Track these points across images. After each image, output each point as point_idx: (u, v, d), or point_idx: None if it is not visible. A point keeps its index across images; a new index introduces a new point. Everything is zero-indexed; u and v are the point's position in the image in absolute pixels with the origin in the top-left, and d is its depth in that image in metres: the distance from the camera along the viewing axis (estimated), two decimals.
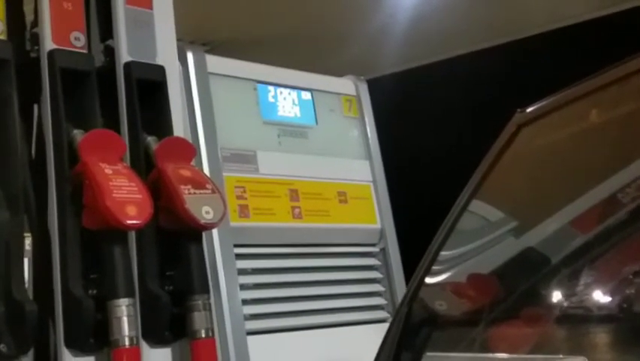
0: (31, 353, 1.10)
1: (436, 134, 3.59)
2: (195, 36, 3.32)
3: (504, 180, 0.98)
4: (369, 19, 3.38)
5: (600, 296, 1.25)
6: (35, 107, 1.23)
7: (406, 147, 3.18)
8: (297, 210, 1.57)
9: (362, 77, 1.85)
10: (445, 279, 1.06)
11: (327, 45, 3.55)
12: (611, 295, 1.24)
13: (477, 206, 1.00)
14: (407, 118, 3.61)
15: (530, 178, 1.01)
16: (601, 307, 1.28)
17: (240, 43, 3.46)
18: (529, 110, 0.93)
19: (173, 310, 1.17)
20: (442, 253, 1.00)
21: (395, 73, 3.84)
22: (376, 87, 1.91)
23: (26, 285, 1.13)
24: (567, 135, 0.97)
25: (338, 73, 1.87)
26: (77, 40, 1.21)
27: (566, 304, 1.21)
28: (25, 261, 1.14)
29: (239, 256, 1.46)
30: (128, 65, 1.24)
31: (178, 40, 1.35)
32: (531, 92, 1.01)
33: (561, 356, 1.32)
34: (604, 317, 1.31)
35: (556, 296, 1.18)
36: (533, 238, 1.01)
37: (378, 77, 3.61)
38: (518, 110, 0.93)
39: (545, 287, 1.12)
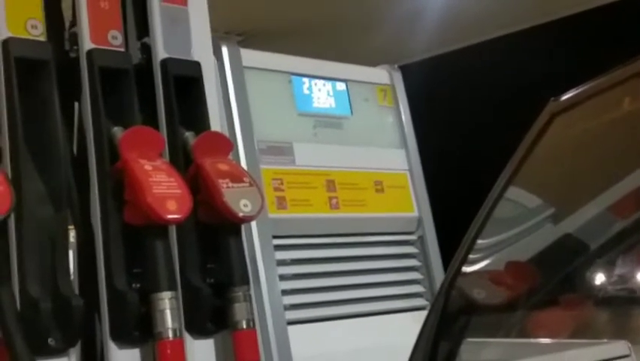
0: (78, 346, 1.12)
1: (471, 120, 3.57)
2: (230, 27, 3.34)
3: (539, 167, 0.98)
4: (401, 3, 3.36)
5: None
6: (76, 105, 1.25)
7: (441, 134, 3.17)
8: (334, 201, 1.58)
9: (396, 66, 1.85)
10: (482, 267, 1.06)
11: (359, 32, 3.55)
12: None
13: (513, 194, 1.00)
14: (442, 104, 3.59)
15: (566, 166, 1.01)
16: None
17: (273, 33, 3.47)
18: (563, 98, 0.93)
19: (215, 302, 1.19)
20: (479, 240, 1.00)
21: (428, 58, 3.82)
22: (409, 74, 1.91)
23: (71, 278, 1.16)
24: (602, 123, 0.96)
25: (370, 60, 1.87)
26: (115, 39, 1.23)
27: (605, 289, 1.20)
28: (70, 253, 1.17)
29: (278, 248, 1.48)
30: (164, 62, 1.26)
31: (212, 31, 1.36)
32: (567, 77, 1.00)
33: (604, 340, 1.32)
34: None
35: (596, 281, 1.18)
36: (570, 224, 1.01)
37: (411, 62, 3.60)
38: (552, 98, 0.93)
39: (584, 273, 1.12)
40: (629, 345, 1.34)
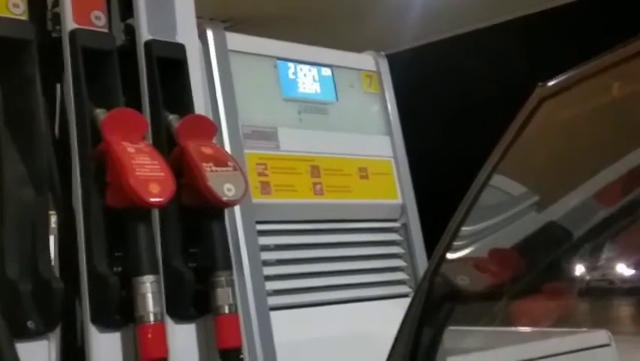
0: (58, 329, 1.11)
1: (456, 108, 3.57)
2: (215, 14, 3.32)
3: (526, 154, 0.98)
4: None
5: (622, 270, 1.25)
6: (58, 86, 1.24)
7: (426, 122, 3.17)
8: (318, 187, 1.58)
9: (382, 53, 1.84)
10: (466, 254, 1.06)
11: (347, 20, 3.54)
12: (634, 269, 1.24)
13: (498, 181, 0.99)
14: (427, 92, 3.59)
15: (552, 152, 1.01)
16: (623, 280, 1.28)
17: (260, 20, 3.45)
18: (550, 83, 0.93)
19: (197, 286, 1.18)
20: (464, 228, 1.00)
21: (415, 47, 3.82)
22: (395, 62, 1.90)
23: (52, 262, 1.15)
24: (590, 109, 0.96)
25: (358, 48, 1.86)
26: (98, 20, 1.21)
27: (587, 278, 1.21)
28: (51, 238, 1.15)
29: (261, 233, 1.47)
30: (148, 44, 1.24)
31: (198, 17, 1.35)
32: (554, 64, 1.00)
33: (584, 329, 1.33)
34: (626, 290, 1.31)
35: (578, 270, 1.18)
36: (555, 212, 1.01)
37: (397, 51, 3.59)
38: (539, 84, 0.93)
39: (567, 261, 1.12)
40: (610, 334, 1.35)
